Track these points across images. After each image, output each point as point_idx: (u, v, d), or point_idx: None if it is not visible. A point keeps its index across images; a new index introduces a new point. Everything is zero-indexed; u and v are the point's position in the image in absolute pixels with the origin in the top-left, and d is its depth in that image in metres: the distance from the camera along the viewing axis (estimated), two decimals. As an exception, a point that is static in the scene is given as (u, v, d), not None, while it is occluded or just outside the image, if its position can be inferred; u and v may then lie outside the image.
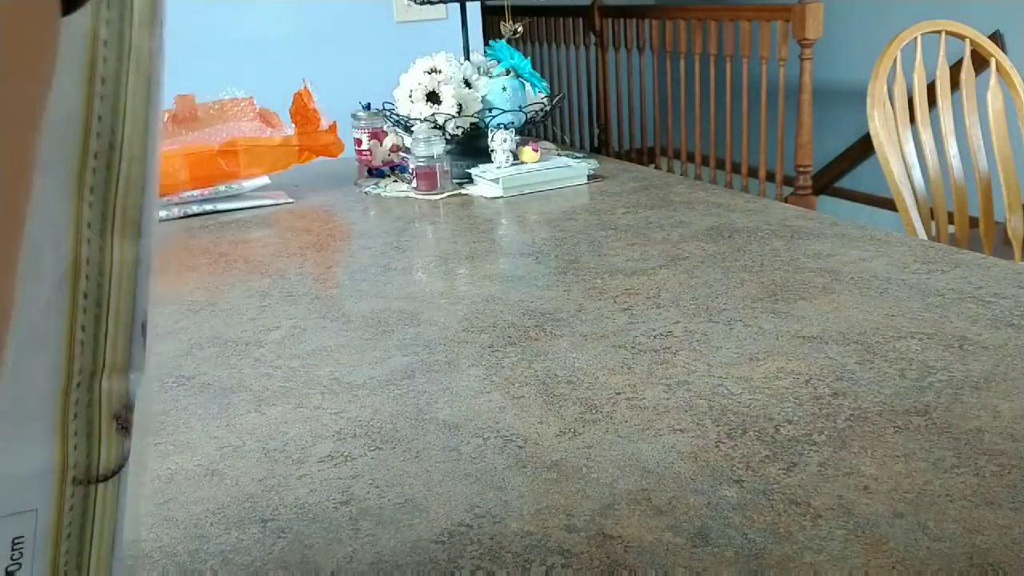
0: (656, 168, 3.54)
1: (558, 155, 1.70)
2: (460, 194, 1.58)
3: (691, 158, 3.94)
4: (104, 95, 0.30)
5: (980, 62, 1.84)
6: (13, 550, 0.32)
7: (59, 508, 0.33)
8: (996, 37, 3.60)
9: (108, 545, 0.35)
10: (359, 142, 1.70)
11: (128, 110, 0.31)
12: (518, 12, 4.34)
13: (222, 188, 1.56)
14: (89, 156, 0.30)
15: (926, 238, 1.72)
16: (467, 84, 1.60)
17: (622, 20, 3.98)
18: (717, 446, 0.67)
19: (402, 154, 1.69)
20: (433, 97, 1.57)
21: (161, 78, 0.32)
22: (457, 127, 1.58)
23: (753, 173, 3.78)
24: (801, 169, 3.22)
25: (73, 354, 0.32)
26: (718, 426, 0.70)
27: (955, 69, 1.83)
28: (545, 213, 1.42)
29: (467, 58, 1.72)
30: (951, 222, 1.82)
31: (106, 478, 0.34)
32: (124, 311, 0.33)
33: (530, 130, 1.74)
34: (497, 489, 0.64)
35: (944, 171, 1.81)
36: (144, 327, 0.34)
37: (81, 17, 0.29)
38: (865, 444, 0.66)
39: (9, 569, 0.32)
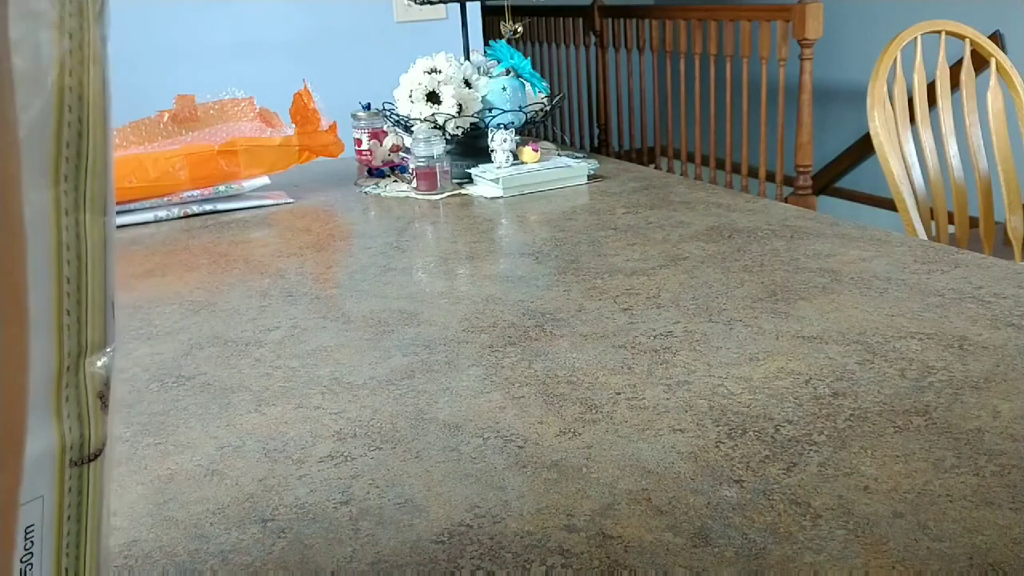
0: (656, 168, 3.53)
1: (558, 155, 1.70)
2: (460, 194, 1.58)
3: (691, 158, 3.94)
4: (72, 87, 0.32)
5: (980, 62, 1.84)
6: (26, 539, 0.33)
7: (60, 492, 0.34)
8: (996, 37, 3.60)
9: (97, 522, 0.36)
10: (359, 142, 1.70)
11: (91, 99, 0.33)
12: (518, 12, 4.34)
13: (222, 188, 1.56)
14: (63, 146, 0.32)
15: (926, 238, 1.72)
16: (467, 84, 1.60)
17: (622, 20, 3.98)
18: (717, 446, 0.67)
19: (402, 154, 1.69)
20: (433, 97, 1.57)
21: (109, 66, 0.34)
22: (457, 127, 1.58)
23: (753, 173, 3.78)
24: (801, 169, 3.22)
25: (62, 338, 0.33)
26: (718, 426, 0.70)
27: (955, 69, 1.83)
28: (545, 213, 1.42)
29: (467, 58, 1.72)
30: (951, 222, 1.82)
31: (95, 456, 0.35)
32: (98, 291, 0.34)
33: (530, 130, 1.74)
34: (497, 489, 0.64)
35: (944, 171, 1.81)
36: (113, 304, 0.36)
37: (48, 15, 0.31)
38: (865, 444, 0.66)
39: (23, 558, 0.33)
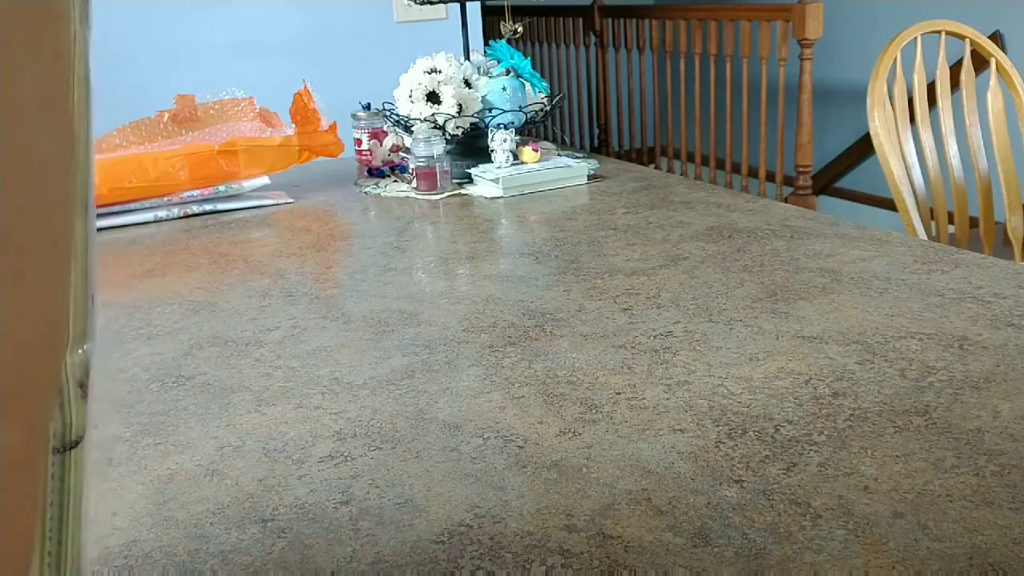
0: (656, 168, 3.53)
1: (558, 155, 1.70)
2: (460, 194, 1.58)
3: (691, 158, 3.93)
4: None
5: (980, 62, 1.84)
6: None
7: (44, 479, 0.34)
8: (996, 37, 3.60)
9: (79, 507, 0.37)
10: (359, 142, 1.70)
11: (76, 99, 0.33)
12: (518, 12, 4.34)
13: (222, 188, 1.56)
14: None
15: (926, 238, 1.72)
16: (467, 84, 1.60)
17: (622, 20, 3.98)
18: (717, 446, 0.67)
19: (402, 154, 1.69)
20: (433, 97, 1.57)
21: (90, 65, 0.34)
22: (457, 127, 1.58)
23: (753, 173, 3.78)
24: (801, 169, 3.22)
25: None
26: (718, 426, 0.70)
27: (955, 69, 1.82)
28: (545, 213, 1.42)
29: (467, 58, 1.72)
30: (951, 222, 1.82)
31: (76, 444, 0.36)
32: (80, 286, 0.35)
33: (530, 130, 1.74)
34: (497, 489, 0.64)
35: (944, 171, 1.81)
36: (94, 298, 0.36)
37: None
38: (865, 444, 0.66)
39: None
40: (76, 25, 0.33)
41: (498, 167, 1.58)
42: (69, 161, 0.22)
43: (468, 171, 1.61)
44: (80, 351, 0.36)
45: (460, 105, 1.56)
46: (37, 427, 0.24)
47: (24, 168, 0.21)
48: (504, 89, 1.60)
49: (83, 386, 0.36)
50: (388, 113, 1.66)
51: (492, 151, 1.59)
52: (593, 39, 4.27)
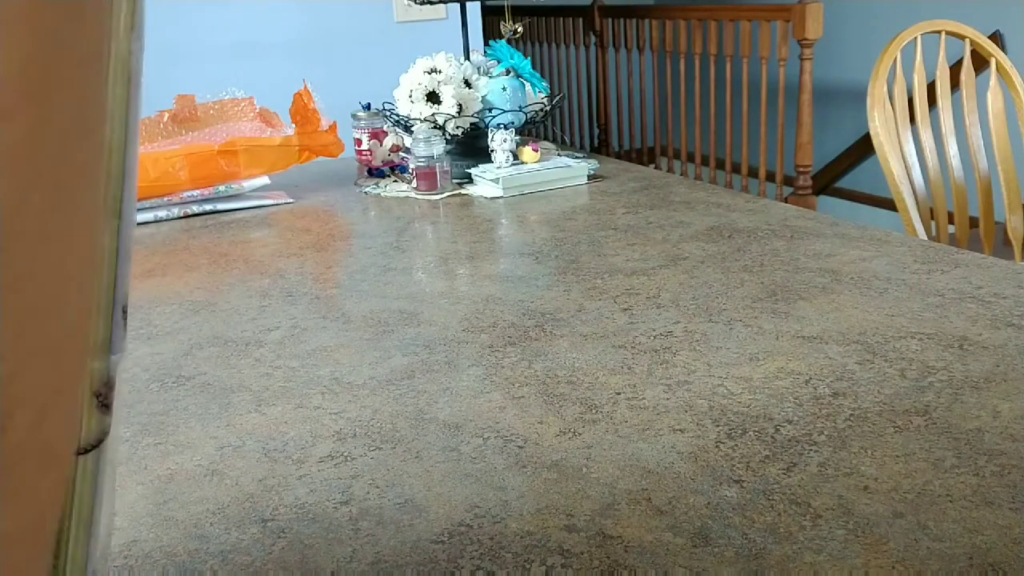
0: (656, 168, 3.53)
1: (558, 155, 1.70)
2: (460, 194, 1.58)
3: (691, 158, 3.94)
4: None
5: (980, 62, 1.84)
6: None
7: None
8: (996, 37, 3.60)
9: (88, 515, 0.37)
10: (359, 142, 1.70)
11: (108, 108, 0.33)
12: (518, 12, 4.34)
13: (222, 188, 1.56)
14: None
15: (926, 238, 1.72)
16: (467, 84, 1.60)
17: (622, 20, 3.98)
18: (717, 446, 0.67)
19: (402, 154, 1.69)
20: (433, 97, 1.57)
21: (140, 78, 0.34)
22: (457, 127, 1.58)
23: (753, 173, 3.78)
24: (801, 169, 3.22)
25: None
26: (718, 426, 0.70)
27: (955, 69, 1.83)
28: (545, 213, 1.42)
29: (467, 58, 1.72)
30: (951, 222, 1.82)
31: (86, 451, 0.36)
32: (105, 295, 0.35)
33: (530, 130, 1.74)
34: (497, 489, 0.64)
35: (944, 171, 1.81)
36: (124, 311, 0.36)
37: None
38: (865, 444, 0.66)
39: None
40: (113, 40, 0.32)
41: (498, 167, 1.58)
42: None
43: (468, 171, 1.61)
44: (99, 361, 0.36)
45: (460, 105, 1.56)
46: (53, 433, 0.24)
47: None
48: (504, 89, 1.60)
49: (100, 396, 0.36)
50: (388, 113, 1.66)
51: (492, 151, 1.59)
52: (593, 39, 4.27)
